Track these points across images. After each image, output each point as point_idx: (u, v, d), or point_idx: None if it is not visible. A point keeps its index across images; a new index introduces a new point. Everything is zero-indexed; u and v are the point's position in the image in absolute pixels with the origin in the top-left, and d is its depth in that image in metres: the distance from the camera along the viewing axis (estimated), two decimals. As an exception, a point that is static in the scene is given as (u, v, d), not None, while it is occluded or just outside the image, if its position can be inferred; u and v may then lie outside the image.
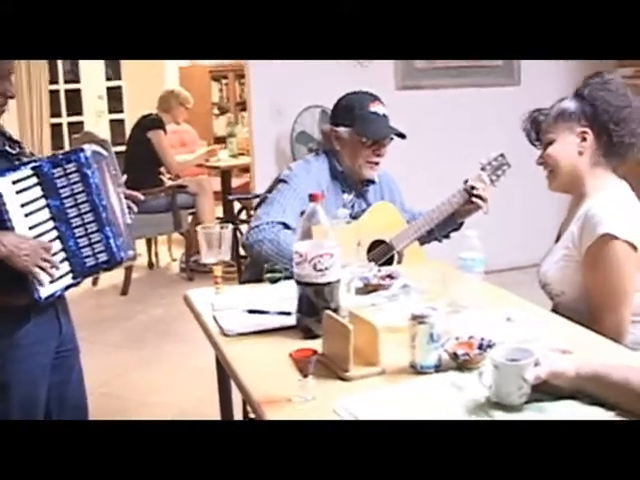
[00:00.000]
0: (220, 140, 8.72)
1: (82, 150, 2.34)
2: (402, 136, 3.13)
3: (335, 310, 2.22)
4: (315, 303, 2.22)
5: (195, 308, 2.62)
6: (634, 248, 2.44)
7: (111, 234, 2.35)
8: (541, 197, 6.12)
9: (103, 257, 2.36)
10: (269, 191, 3.09)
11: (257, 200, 3.25)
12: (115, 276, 5.97)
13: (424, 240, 3.26)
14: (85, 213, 2.32)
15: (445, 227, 3.24)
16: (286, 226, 2.90)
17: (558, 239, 2.73)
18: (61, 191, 2.31)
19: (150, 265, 6.91)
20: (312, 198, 2.24)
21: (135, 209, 2.64)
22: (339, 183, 3.15)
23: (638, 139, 2.56)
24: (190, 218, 6.63)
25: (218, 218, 6.82)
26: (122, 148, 8.71)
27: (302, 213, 2.33)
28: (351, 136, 3.10)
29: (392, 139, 3.15)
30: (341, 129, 3.11)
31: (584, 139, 2.58)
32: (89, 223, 2.34)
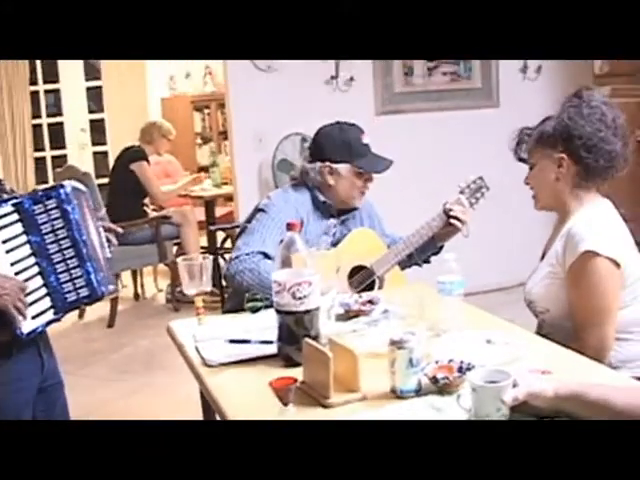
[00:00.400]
0: (203, 169, 8.72)
1: (62, 186, 2.35)
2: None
3: (315, 337, 2.23)
4: (295, 331, 2.23)
5: (178, 339, 2.63)
6: (617, 265, 2.46)
7: (92, 269, 2.36)
8: (524, 218, 6.18)
9: (84, 292, 2.36)
10: (248, 221, 3.11)
11: (242, 223, 3.27)
12: (101, 308, 5.97)
13: (404, 264, 3.28)
14: (66, 249, 2.33)
15: (425, 251, 3.26)
16: (266, 256, 2.91)
17: (543, 257, 2.75)
18: (42, 227, 2.32)
19: (136, 296, 6.89)
20: (289, 227, 2.26)
21: (115, 242, 2.65)
22: (320, 211, 3.17)
23: (614, 161, 2.58)
24: (175, 249, 6.63)
25: (203, 247, 6.82)
26: (106, 180, 8.77)
27: (281, 241, 2.34)
28: (349, 171, 3.12)
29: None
30: (339, 165, 3.12)
31: (560, 165, 2.60)
32: (70, 258, 2.34)
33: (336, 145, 3.15)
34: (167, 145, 6.75)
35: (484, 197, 3.27)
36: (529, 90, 6.28)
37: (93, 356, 5.40)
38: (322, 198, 3.16)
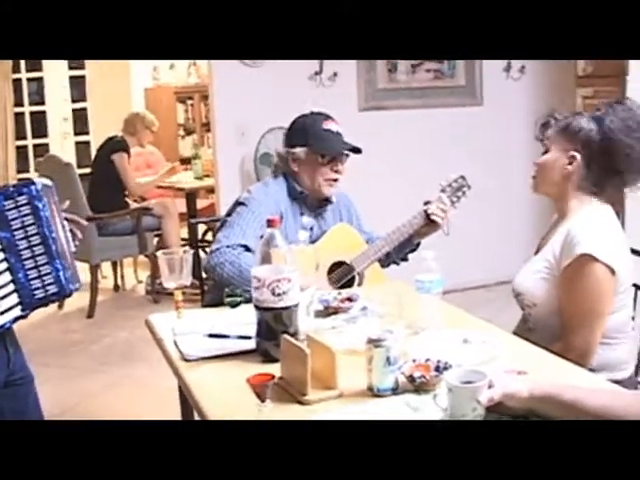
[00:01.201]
0: (186, 161, 8.71)
1: (33, 183, 2.33)
2: (357, 151, 3.18)
3: (294, 334, 2.24)
4: (274, 327, 2.24)
5: (157, 333, 2.63)
6: (612, 272, 2.47)
7: (61, 267, 2.34)
8: (506, 216, 6.24)
9: (52, 289, 2.34)
10: (228, 214, 3.11)
11: (222, 217, 3.28)
12: (81, 299, 5.96)
13: (383, 263, 3.29)
14: (35, 245, 2.31)
15: (403, 248, 3.27)
16: (247, 248, 2.92)
17: (537, 251, 2.76)
18: (12, 223, 2.30)
19: (116, 287, 6.88)
20: (270, 223, 2.26)
21: (80, 236, 2.62)
22: (298, 205, 3.19)
23: (623, 184, 2.61)
24: (155, 240, 6.63)
25: (183, 239, 6.82)
26: (88, 170, 8.73)
27: (262, 236, 2.34)
28: (307, 155, 3.14)
29: (348, 156, 3.19)
30: (297, 150, 3.15)
31: (570, 163, 2.60)
32: (39, 255, 2.32)
33: (295, 130, 3.22)
34: (150, 136, 6.74)
35: (465, 196, 3.28)
36: (512, 89, 6.32)
37: (72, 347, 5.39)
38: (298, 188, 3.17)
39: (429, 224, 3.18)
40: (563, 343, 2.49)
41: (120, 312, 6.23)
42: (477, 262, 6.35)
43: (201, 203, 7.15)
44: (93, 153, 8.92)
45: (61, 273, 2.33)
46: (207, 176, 6.87)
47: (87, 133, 9.55)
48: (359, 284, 3.14)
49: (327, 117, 3.20)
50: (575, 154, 2.59)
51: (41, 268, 2.32)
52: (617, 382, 2.50)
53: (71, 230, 2.58)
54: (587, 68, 5.29)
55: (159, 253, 2.59)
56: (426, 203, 3.20)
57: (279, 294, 2.21)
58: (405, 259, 3.36)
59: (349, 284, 3.12)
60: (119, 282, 6.93)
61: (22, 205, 2.30)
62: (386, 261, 3.30)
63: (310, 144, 3.13)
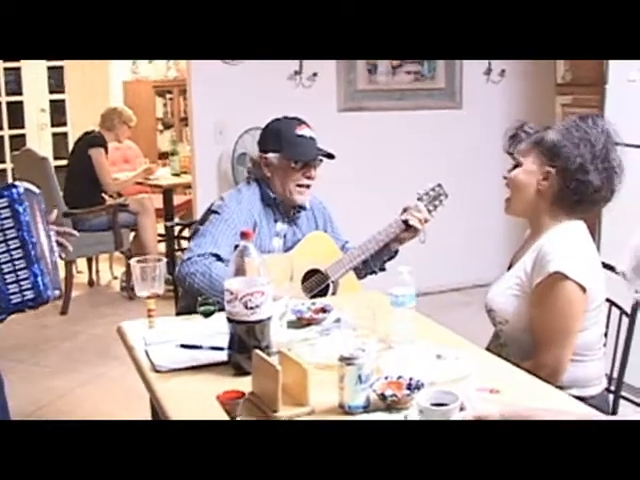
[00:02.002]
0: (164, 155, 8.68)
1: (15, 186, 2.31)
2: (330, 156, 3.16)
3: (266, 347, 2.23)
4: (246, 341, 2.22)
5: (128, 341, 2.61)
6: (583, 289, 2.47)
7: (39, 272, 2.31)
8: (482, 219, 6.24)
9: (30, 295, 2.32)
10: (201, 222, 3.09)
11: (195, 224, 3.26)
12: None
13: (360, 273, 3.27)
14: (14, 249, 2.29)
15: (380, 256, 3.25)
16: (218, 258, 2.91)
17: (510, 267, 2.74)
18: None
19: (90, 283, 6.83)
20: (243, 236, 2.25)
21: (70, 248, 2.62)
22: (271, 211, 3.17)
23: (602, 199, 2.59)
24: (132, 235, 6.60)
25: (160, 235, 6.79)
26: (65, 162, 8.66)
27: (236, 247, 2.32)
28: (280, 161, 3.12)
29: (321, 161, 3.18)
30: (270, 155, 3.13)
31: (546, 178, 2.59)
32: (17, 259, 2.30)
33: (268, 135, 3.20)
34: (128, 132, 6.70)
35: (442, 204, 3.26)
36: (492, 93, 6.32)
37: (45, 344, 5.34)
38: (272, 194, 3.15)
39: (405, 232, 3.16)
40: (534, 361, 2.49)
41: (94, 309, 6.19)
42: (453, 265, 6.36)
43: (178, 199, 7.11)
44: (70, 145, 8.89)
45: (39, 279, 2.31)
46: (185, 173, 6.84)
47: (65, 124, 9.46)
48: (333, 293, 3.13)
49: (300, 122, 3.18)
50: (550, 169, 2.57)
51: (19, 273, 2.29)
52: (588, 398, 2.53)
53: (60, 243, 2.56)
54: (566, 76, 5.29)
55: (132, 261, 2.57)
56: (404, 210, 3.18)
57: (252, 307, 2.20)
58: (383, 269, 3.32)
59: (323, 293, 3.11)
60: (94, 277, 6.88)
61: (2, 208, 2.28)
62: (363, 271, 3.28)
63: (283, 149, 3.11)
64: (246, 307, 2.19)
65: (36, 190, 2.45)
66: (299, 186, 3.13)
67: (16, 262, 2.29)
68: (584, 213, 2.64)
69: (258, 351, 2.11)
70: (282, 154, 3.11)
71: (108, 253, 6.73)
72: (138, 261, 2.56)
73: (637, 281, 1.49)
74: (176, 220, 6.99)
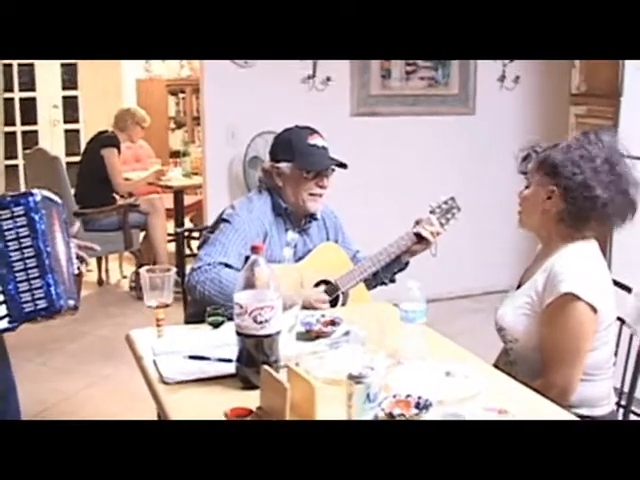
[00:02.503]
0: (175, 154, 8.68)
1: (32, 194, 2.31)
2: (343, 166, 3.15)
3: (275, 362, 2.22)
4: (254, 355, 2.21)
5: (137, 351, 2.59)
6: (594, 310, 2.46)
7: (52, 281, 2.31)
8: (492, 226, 6.22)
9: (42, 304, 2.31)
10: (212, 231, 3.08)
11: (205, 232, 3.25)
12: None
13: (370, 284, 3.26)
14: (28, 258, 2.28)
15: (391, 268, 3.23)
16: (228, 266, 2.90)
17: (519, 286, 2.72)
18: (6, 234, 2.27)
19: (100, 282, 6.84)
20: (254, 250, 2.23)
21: (88, 260, 2.61)
22: (282, 220, 3.16)
23: (610, 217, 2.56)
24: (142, 236, 6.60)
25: (169, 234, 6.80)
26: (76, 158, 8.65)
27: (246, 258, 2.31)
28: (292, 171, 3.11)
29: (334, 170, 3.16)
30: (282, 165, 3.12)
31: (550, 197, 2.57)
32: (31, 268, 2.29)
33: (280, 145, 3.19)
34: (141, 133, 6.71)
35: (455, 218, 3.24)
36: (506, 99, 6.29)
37: (53, 344, 5.33)
38: (283, 204, 3.14)
39: (419, 242, 3.15)
40: (544, 381, 2.48)
41: (103, 308, 6.19)
42: (463, 271, 6.34)
43: (189, 199, 7.10)
44: (83, 141, 8.90)
45: (52, 288, 2.29)
46: (196, 174, 6.82)
47: (77, 121, 9.47)
48: (343, 304, 3.12)
49: (313, 131, 3.17)
50: (553, 188, 2.56)
51: (32, 281, 2.28)
52: (597, 418, 2.52)
53: (80, 257, 2.56)
54: (581, 86, 5.26)
55: (142, 271, 2.56)
56: (416, 222, 3.17)
57: (261, 322, 2.18)
58: (393, 280, 3.30)
59: (333, 303, 3.10)
60: (103, 276, 6.88)
61: (18, 216, 2.28)
62: (373, 282, 3.26)
63: (295, 159, 3.10)
64: (255, 321, 2.18)
65: (56, 199, 2.45)
66: (312, 195, 3.12)
67: (30, 271, 2.29)
68: (593, 231, 2.62)
69: (266, 367, 2.09)
70: (294, 164, 3.10)
71: (118, 253, 6.72)
72: (147, 270, 2.56)
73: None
74: (186, 221, 7.04)
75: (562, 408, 2.24)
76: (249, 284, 2.21)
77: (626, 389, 2.73)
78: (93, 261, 6.84)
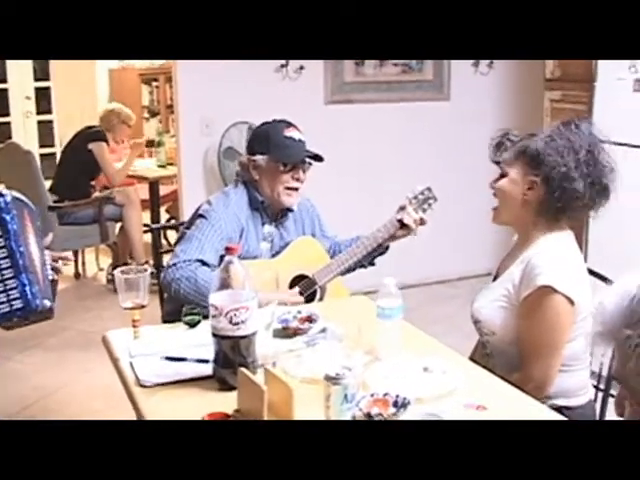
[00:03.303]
0: (151, 143, 8.62)
1: (2, 195, 2.28)
2: (319, 159, 3.14)
3: (252, 363, 2.21)
4: (231, 357, 2.20)
5: (113, 353, 2.58)
6: (571, 302, 2.46)
7: (27, 281, 2.28)
8: (465, 211, 6.22)
9: (18, 304, 2.28)
10: (188, 227, 3.07)
11: (182, 227, 3.23)
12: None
13: (350, 269, 3.24)
14: (1, 259, 2.26)
15: (371, 254, 3.22)
16: (204, 263, 2.89)
17: (496, 278, 2.72)
18: None
19: (77, 275, 6.77)
20: (228, 251, 2.22)
21: (63, 272, 2.59)
22: (259, 214, 3.15)
23: (588, 204, 2.56)
24: (118, 228, 6.57)
25: (145, 225, 6.76)
26: (50, 150, 8.60)
27: (221, 258, 2.30)
28: (268, 163, 3.09)
29: (311, 164, 3.15)
30: (258, 157, 3.10)
31: (531, 188, 2.56)
32: (5, 269, 2.27)
33: (256, 138, 3.19)
34: (127, 131, 6.69)
35: (432, 208, 3.22)
36: (480, 84, 6.29)
37: (32, 340, 5.28)
38: (260, 198, 3.13)
39: (401, 228, 3.12)
40: (521, 374, 2.49)
41: (80, 302, 6.14)
42: (439, 257, 6.34)
43: (165, 189, 7.05)
44: (57, 133, 8.83)
45: (27, 288, 2.26)
46: (171, 164, 6.78)
47: (50, 112, 9.38)
48: (320, 299, 3.11)
49: (289, 124, 3.15)
50: (535, 179, 2.55)
51: (7, 282, 2.25)
52: (575, 408, 2.53)
53: (55, 268, 2.54)
54: (555, 71, 5.27)
55: (116, 272, 2.54)
56: (401, 208, 3.12)
57: (237, 323, 2.17)
58: (373, 263, 3.31)
59: (311, 298, 3.09)
60: (80, 270, 6.83)
61: None
62: (352, 266, 3.25)
63: (271, 152, 3.08)
64: (231, 322, 2.17)
65: (28, 202, 2.42)
66: (288, 189, 3.11)
67: (4, 272, 2.26)
68: (569, 221, 2.62)
69: (243, 369, 2.08)
70: (270, 156, 3.08)
71: (94, 246, 6.68)
72: (122, 272, 2.54)
73: (603, 347, 1.48)
74: (162, 212, 7.00)
75: (539, 401, 2.25)
76: (224, 285, 2.20)
77: (604, 373, 2.73)
78: (69, 254, 6.80)
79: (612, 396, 2.70)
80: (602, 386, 2.75)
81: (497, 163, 2.68)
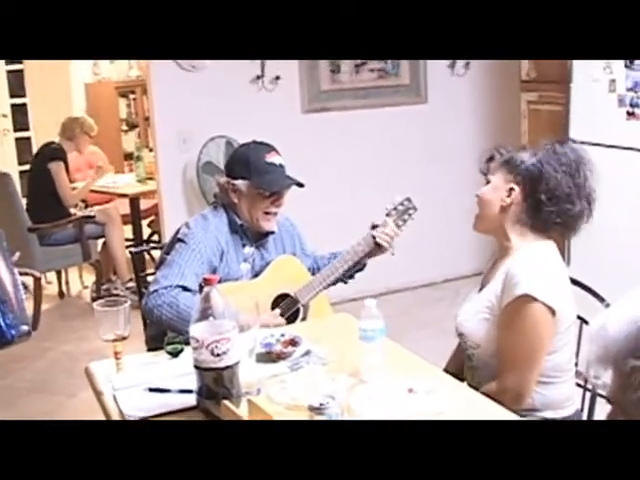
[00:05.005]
0: (129, 157, 8.62)
1: None
2: (300, 185, 3.12)
3: (236, 395, 2.20)
4: (214, 389, 2.18)
5: (97, 386, 2.55)
6: (552, 312, 2.45)
7: (0, 313, 2.27)
8: (449, 214, 6.23)
9: None
10: (167, 251, 3.05)
11: (161, 252, 3.21)
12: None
13: (329, 285, 3.24)
14: None
15: (349, 270, 3.22)
16: (185, 289, 2.87)
17: (481, 289, 2.71)
18: None
19: (61, 294, 6.73)
20: (206, 282, 2.20)
21: (30, 288, 2.57)
22: (239, 236, 3.13)
23: (569, 220, 2.56)
24: (100, 245, 6.54)
25: (127, 239, 6.75)
26: (29, 167, 8.54)
27: (201, 288, 2.28)
28: (248, 189, 3.07)
29: (289, 188, 3.13)
30: (238, 182, 3.08)
31: (509, 195, 2.57)
32: None
33: (237, 161, 3.15)
34: (88, 142, 6.64)
35: (412, 218, 3.22)
36: (457, 86, 6.29)
37: (17, 363, 5.25)
38: (239, 221, 3.11)
39: (376, 247, 3.14)
40: (497, 383, 2.49)
41: (65, 323, 6.10)
42: (423, 261, 6.33)
43: (145, 203, 7.02)
44: (34, 149, 8.78)
45: (1, 320, 2.26)
46: (150, 179, 6.74)
47: (27, 129, 9.34)
48: (303, 318, 3.10)
49: (270, 148, 3.13)
50: (514, 186, 2.56)
51: None
52: (562, 420, 2.52)
53: (23, 283, 2.51)
54: (531, 73, 5.28)
55: (95, 305, 2.51)
56: (373, 227, 3.15)
57: (219, 354, 2.15)
58: (352, 277, 3.31)
59: (294, 317, 3.07)
60: (64, 289, 6.79)
61: None
62: (332, 283, 3.25)
63: (252, 177, 3.06)
64: (213, 354, 2.15)
65: None
66: (266, 214, 3.10)
67: None
68: (548, 232, 2.62)
69: (226, 402, 2.07)
70: (251, 182, 3.06)
71: (76, 265, 6.65)
72: (102, 305, 2.51)
73: (600, 370, 1.45)
74: (144, 225, 6.97)
75: (518, 414, 2.25)
76: (204, 316, 2.18)
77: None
78: (52, 274, 6.77)
79: (600, 395, 2.68)
80: (590, 386, 2.72)
81: (485, 174, 2.69)
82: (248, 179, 3.06)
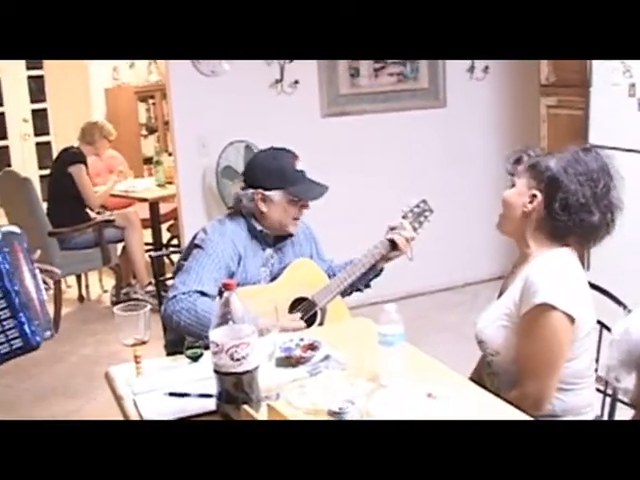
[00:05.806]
0: (149, 161, 8.63)
1: None
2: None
3: (256, 399, 2.20)
4: (234, 394, 2.19)
5: (117, 390, 2.56)
6: (571, 320, 2.43)
7: (25, 319, 2.28)
8: (469, 218, 6.22)
9: (17, 343, 2.28)
10: (185, 258, 3.06)
11: (179, 259, 3.22)
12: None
13: (346, 292, 3.25)
14: None
15: (366, 276, 3.23)
16: (203, 294, 2.88)
17: (500, 295, 2.70)
18: None
19: (80, 298, 6.76)
20: (226, 287, 2.21)
21: (52, 285, 2.58)
22: (257, 242, 3.14)
23: (587, 231, 2.55)
24: (120, 249, 6.57)
25: (147, 244, 6.76)
26: (49, 172, 8.58)
27: (220, 293, 2.28)
28: (282, 198, 3.08)
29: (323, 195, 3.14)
30: (272, 192, 3.07)
31: (531, 201, 2.56)
32: (1, 310, 2.27)
33: (269, 172, 3.10)
34: (107, 146, 6.67)
35: (428, 220, 3.24)
36: (476, 90, 6.27)
37: (35, 367, 5.27)
38: (258, 227, 3.12)
39: (393, 249, 3.14)
40: (518, 391, 2.48)
41: (85, 326, 6.12)
42: (442, 264, 6.32)
43: (165, 207, 7.03)
44: (55, 154, 8.82)
45: (25, 326, 2.26)
46: (170, 183, 6.76)
47: (48, 134, 9.39)
48: (321, 322, 3.10)
49: (295, 155, 3.14)
50: (537, 193, 2.55)
51: (4, 322, 2.25)
52: (585, 421, 2.51)
53: (44, 280, 2.52)
54: (550, 77, 5.25)
55: (115, 310, 2.53)
56: (391, 229, 3.15)
57: (238, 359, 2.16)
58: (368, 286, 3.32)
59: (311, 320, 3.08)
60: (84, 293, 6.81)
61: None
62: (349, 290, 3.26)
63: (287, 187, 3.07)
64: (232, 359, 2.16)
65: (17, 230, 2.41)
66: (294, 219, 3.13)
67: (0, 312, 2.26)
68: (569, 240, 2.60)
69: (246, 406, 2.08)
70: (286, 192, 3.07)
71: (96, 269, 6.67)
72: (123, 309, 2.52)
73: (623, 374, 1.44)
74: (164, 230, 6.99)
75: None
76: (224, 321, 2.19)
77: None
78: (73, 278, 6.80)
79: (620, 401, 2.68)
80: (610, 391, 2.71)
81: (511, 175, 2.67)
82: (283, 189, 3.07)
